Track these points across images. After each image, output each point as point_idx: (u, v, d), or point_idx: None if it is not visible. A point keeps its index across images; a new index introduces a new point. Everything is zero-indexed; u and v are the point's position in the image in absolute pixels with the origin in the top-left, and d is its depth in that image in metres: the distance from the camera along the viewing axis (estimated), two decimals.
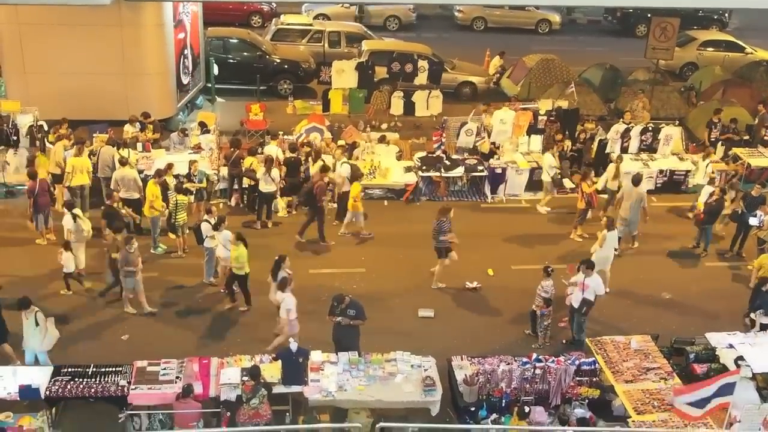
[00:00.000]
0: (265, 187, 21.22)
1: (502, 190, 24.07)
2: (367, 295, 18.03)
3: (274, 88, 30.65)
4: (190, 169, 21.32)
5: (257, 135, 26.26)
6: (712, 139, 26.19)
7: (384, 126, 27.80)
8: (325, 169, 21.38)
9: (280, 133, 24.59)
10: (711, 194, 21.23)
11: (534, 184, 24.26)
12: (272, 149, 22.68)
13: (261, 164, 21.58)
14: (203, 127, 24.46)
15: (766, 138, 26.37)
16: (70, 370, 14.48)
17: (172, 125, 26.09)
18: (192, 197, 20.79)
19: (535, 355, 15.34)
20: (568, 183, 24.79)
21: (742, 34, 39.44)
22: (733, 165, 24.74)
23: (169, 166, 20.72)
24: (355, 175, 21.74)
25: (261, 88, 29.39)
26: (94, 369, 14.53)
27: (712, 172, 23.29)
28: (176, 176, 20.92)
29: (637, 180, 20.93)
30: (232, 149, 22.52)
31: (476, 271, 19.96)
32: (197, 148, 23.55)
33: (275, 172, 21.30)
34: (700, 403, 12.83)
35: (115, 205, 19.45)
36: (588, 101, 28.57)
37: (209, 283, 18.91)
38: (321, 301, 17.56)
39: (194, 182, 21.16)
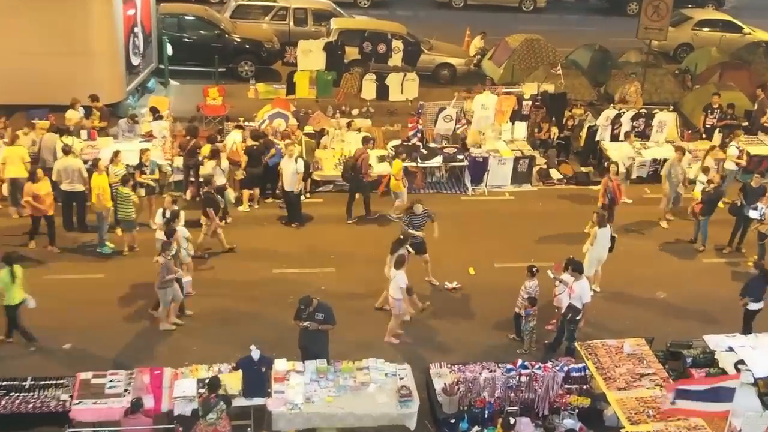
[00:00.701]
0: (218, 179, 20.98)
1: (484, 182, 23.95)
2: (337, 297, 17.74)
3: (234, 70, 30.36)
4: (141, 159, 20.94)
5: (215, 122, 25.94)
6: (708, 126, 26.21)
7: (355, 112, 27.59)
8: (367, 140, 21.87)
9: (241, 119, 24.30)
10: (708, 182, 21.24)
11: (519, 175, 24.17)
12: (235, 137, 22.40)
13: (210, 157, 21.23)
14: (155, 113, 24.12)
15: (766, 124, 26.41)
16: (4, 383, 14.09)
17: (120, 111, 25.69)
18: (143, 190, 20.44)
19: (520, 362, 15.20)
20: (554, 174, 24.75)
21: (739, 13, 39.65)
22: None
23: (115, 154, 20.36)
24: (309, 168, 21.74)
25: (219, 70, 29.06)
26: (32, 382, 14.16)
27: (738, 157, 23.31)
28: (126, 167, 20.56)
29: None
30: (187, 137, 22.16)
31: (456, 269, 19.81)
32: (148, 136, 23.22)
33: (225, 163, 21.12)
34: (696, 396, 12.74)
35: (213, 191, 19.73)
36: (576, 85, 28.54)
37: None
38: (286, 305, 17.31)
39: (146, 174, 20.79)
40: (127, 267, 19.28)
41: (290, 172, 21.00)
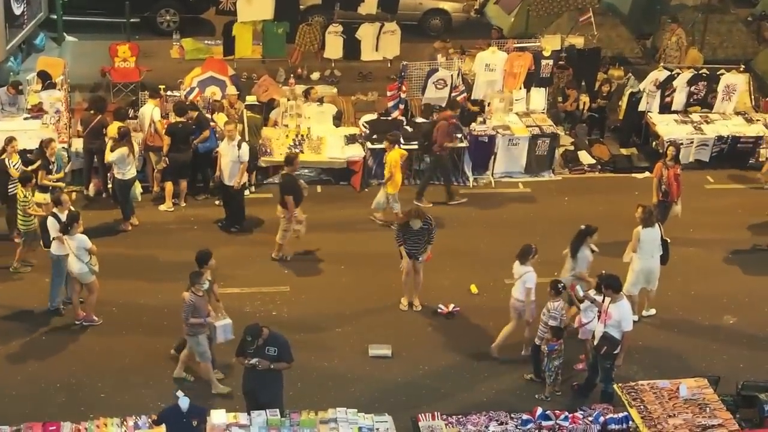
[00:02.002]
0: (128, 171, 21.14)
1: (489, 169, 24.13)
2: (294, 325, 17.93)
3: (151, 21, 30.37)
4: (44, 151, 20.86)
5: (127, 90, 25.92)
6: None
7: (315, 76, 27.63)
8: (455, 104, 22.70)
9: (161, 87, 24.33)
10: None
11: (537, 159, 24.33)
12: (153, 112, 22.46)
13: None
14: (46, 80, 24.14)
15: None
16: None
17: None
18: (48, 195, 20.37)
19: (540, 410, 15.36)
20: (585, 157, 24.92)
21: None
22: None
23: (8, 141, 20.36)
24: (256, 154, 21.81)
25: (132, 20, 29.04)
26: None
27: None
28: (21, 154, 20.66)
29: None
30: (90, 112, 22.27)
31: (453, 288, 19.98)
32: (37, 111, 23.23)
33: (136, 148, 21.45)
34: None
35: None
36: (613, 37, 28.68)
37: (57, 312, 18.69)
38: None
39: (52, 172, 20.80)
40: (11, 288, 19.38)
41: (229, 161, 21.13)
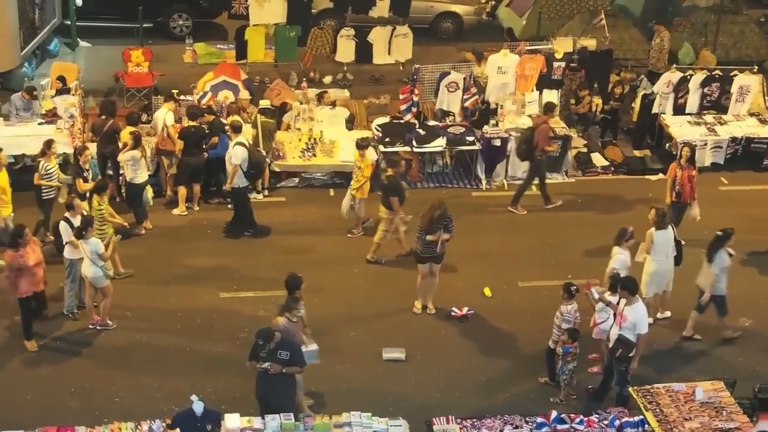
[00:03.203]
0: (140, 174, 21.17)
1: (502, 172, 24.03)
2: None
3: (164, 26, 30.40)
4: (77, 158, 20.90)
5: (140, 95, 25.89)
6: None
7: (327, 79, 27.58)
8: (550, 108, 22.81)
9: (174, 91, 24.33)
10: None
11: (549, 161, 24.07)
12: (163, 114, 22.43)
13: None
14: (61, 84, 24.10)
15: None
16: None
17: (13, 82, 25.70)
18: (87, 203, 20.35)
19: (554, 414, 15.28)
20: (598, 159, 24.81)
21: None
22: None
23: (48, 145, 20.37)
24: (258, 164, 21.69)
25: (145, 25, 29.07)
26: None
27: None
28: (63, 162, 20.77)
29: None
30: (103, 117, 22.25)
31: (467, 291, 19.89)
32: (51, 116, 23.24)
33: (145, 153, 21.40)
34: None
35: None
36: (626, 39, 28.58)
37: (71, 316, 18.65)
38: (239, 340, 17.40)
39: (88, 180, 20.80)
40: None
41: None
